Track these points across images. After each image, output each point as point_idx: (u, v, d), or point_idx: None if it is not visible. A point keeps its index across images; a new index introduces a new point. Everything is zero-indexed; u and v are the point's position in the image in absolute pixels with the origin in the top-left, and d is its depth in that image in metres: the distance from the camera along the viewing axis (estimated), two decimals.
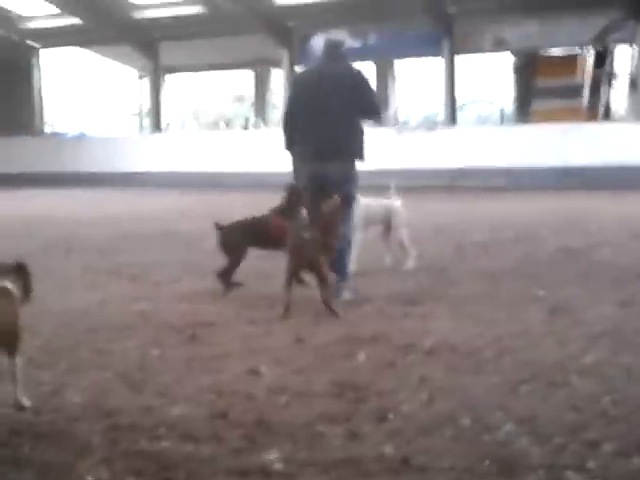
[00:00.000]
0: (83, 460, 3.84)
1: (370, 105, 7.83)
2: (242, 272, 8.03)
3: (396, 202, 9.43)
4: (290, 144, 7.94)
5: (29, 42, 28.23)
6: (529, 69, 26.81)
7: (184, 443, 4.03)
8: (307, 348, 5.86)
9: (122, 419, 4.39)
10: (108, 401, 4.70)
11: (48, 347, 6.00)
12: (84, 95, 28.59)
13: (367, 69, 28.44)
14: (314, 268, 6.96)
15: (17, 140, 26.97)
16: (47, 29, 27.41)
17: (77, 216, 15.98)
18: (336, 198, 7.25)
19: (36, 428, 4.28)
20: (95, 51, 29.29)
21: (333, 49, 7.86)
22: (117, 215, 16.17)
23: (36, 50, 28.50)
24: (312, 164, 7.67)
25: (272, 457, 3.84)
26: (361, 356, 5.56)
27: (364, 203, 8.85)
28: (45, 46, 28.39)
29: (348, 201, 7.64)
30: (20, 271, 4.89)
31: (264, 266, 8.72)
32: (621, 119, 26.17)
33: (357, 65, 8.29)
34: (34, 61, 28.59)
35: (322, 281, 6.91)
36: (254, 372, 5.24)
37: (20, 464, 3.83)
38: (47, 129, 29.01)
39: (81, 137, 27.62)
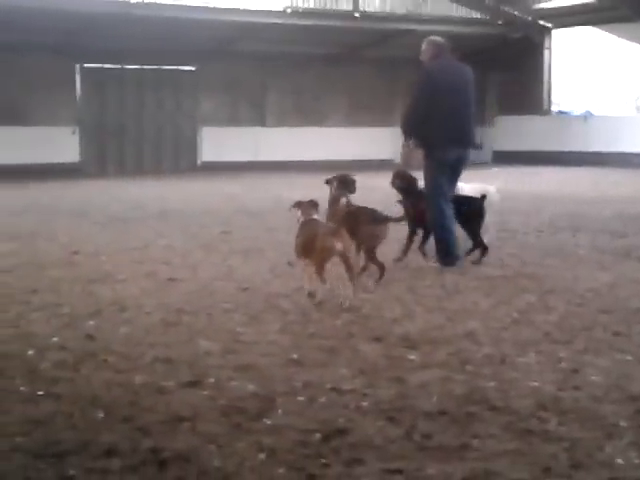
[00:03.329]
0: (612, 441, 3.79)
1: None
2: None
3: (491, 187, 9.05)
4: (423, 131, 8.26)
5: (541, 22, 28.47)
6: None
7: None
8: None
9: None
10: (631, 384, 4.60)
11: (563, 324, 6.04)
12: (592, 74, 28.19)
13: None
14: None
15: (526, 119, 27.51)
16: (560, 8, 27.47)
17: (581, 195, 15.87)
18: None
19: (560, 404, 4.30)
20: (606, 30, 28.79)
21: (446, 47, 8.46)
22: (619, 195, 15.76)
23: (548, 30, 28.67)
24: (454, 150, 8.33)
25: None
26: None
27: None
28: (557, 26, 28.45)
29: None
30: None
31: None
32: None
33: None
34: (545, 41, 28.82)
35: None
36: None
37: (548, 438, 3.86)
38: (554, 108, 29.10)
39: (586, 116, 27.35)
